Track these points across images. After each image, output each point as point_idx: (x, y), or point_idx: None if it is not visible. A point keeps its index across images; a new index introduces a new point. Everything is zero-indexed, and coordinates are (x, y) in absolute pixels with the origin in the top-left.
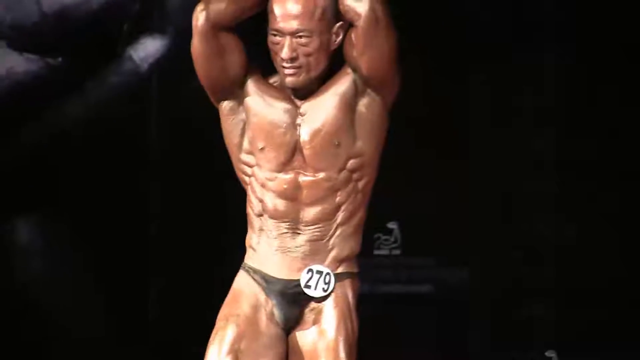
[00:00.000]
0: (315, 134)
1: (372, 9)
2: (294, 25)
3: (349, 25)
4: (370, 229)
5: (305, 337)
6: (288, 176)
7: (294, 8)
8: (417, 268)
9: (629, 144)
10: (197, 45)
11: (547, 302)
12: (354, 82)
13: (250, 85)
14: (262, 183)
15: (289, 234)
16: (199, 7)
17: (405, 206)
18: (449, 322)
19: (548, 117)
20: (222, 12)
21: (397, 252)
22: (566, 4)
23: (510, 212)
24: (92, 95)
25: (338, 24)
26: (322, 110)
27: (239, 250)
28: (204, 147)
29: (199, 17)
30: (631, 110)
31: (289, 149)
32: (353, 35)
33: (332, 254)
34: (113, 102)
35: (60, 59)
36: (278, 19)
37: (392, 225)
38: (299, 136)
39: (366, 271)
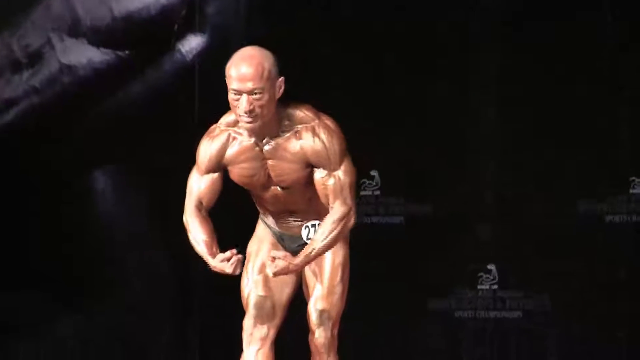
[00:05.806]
0: (280, 175)
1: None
2: (249, 85)
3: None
4: (358, 176)
5: (311, 264)
6: (269, 193)
7: (248, 72)
8: (392, 205)
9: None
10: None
11: (488, 226)
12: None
13: (228, 160)
14: (257, 198)
15: (286, 221)
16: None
17: (383, 159)
18: (416, 244)
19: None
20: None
21: (378, 192)
22: None
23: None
24: (151, 78)
25: (280, 79)
26: (283, 160)
27: None
28: None
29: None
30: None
31: (264, 182)
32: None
33: (317, 218)
34: (166, 83)
35: (127, 52)
36: (235, 81)
37: (374, 172)
38: (269, 174)
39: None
